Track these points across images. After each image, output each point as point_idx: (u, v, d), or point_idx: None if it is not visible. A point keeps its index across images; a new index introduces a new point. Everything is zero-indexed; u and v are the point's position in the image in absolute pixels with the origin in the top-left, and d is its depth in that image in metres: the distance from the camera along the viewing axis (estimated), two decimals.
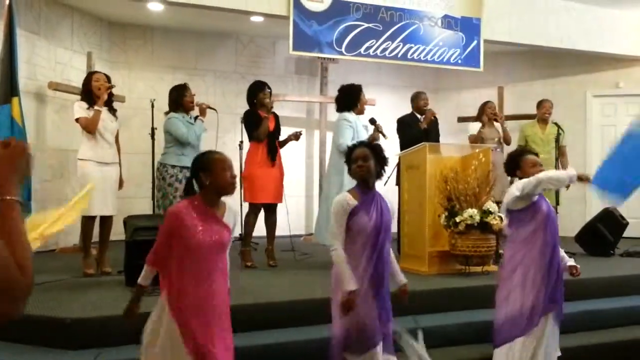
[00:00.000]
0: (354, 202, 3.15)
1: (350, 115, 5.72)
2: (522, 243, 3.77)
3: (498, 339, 3.77)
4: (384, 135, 5.80)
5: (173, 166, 5.38)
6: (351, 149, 3.30)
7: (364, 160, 3.19)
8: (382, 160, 3.27)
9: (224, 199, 2.84)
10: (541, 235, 3.73)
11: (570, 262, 3.88)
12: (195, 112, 5.61)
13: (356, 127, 5.65)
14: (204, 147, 5.55)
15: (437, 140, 6.50)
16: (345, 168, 3.36)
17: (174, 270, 2.71)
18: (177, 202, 5.26)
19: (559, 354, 3.83)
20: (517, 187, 3.73)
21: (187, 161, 5.45)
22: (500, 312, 3.80)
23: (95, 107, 5.10)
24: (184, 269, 2.69)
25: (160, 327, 2.72)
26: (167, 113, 5.61)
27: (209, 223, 2.72)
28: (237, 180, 2.84)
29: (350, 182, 3.52)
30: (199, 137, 5.48)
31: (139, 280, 2.86)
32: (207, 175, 2.73)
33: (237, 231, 2.90)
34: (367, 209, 3.15)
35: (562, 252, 3.89)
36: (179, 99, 5.49)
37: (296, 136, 5.93)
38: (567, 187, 7.04)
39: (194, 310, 2.66)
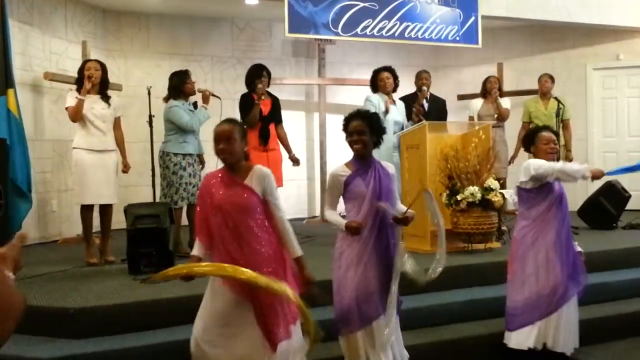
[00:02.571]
0: (347, 171, 3.20)
1: (373, 97, 5.98)
2: (535, 223, 3.71)
3: (514, 322, 3.74)
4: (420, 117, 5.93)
5: (176, 154, 5.37)
6: (347, 119, 3.28)
7: (359, 135, 3.20)
8: (378, 131, 3.28)
9: (255, 165, 3.07)
10: (555, 214, 3.68)
11: (577, 247, 3.85)
12: (195, 98, 5.59)
13: (378, 107, 5.75)
14: (205, 133, 5.58)
15: (442, 119, 6.44)
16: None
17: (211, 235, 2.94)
18: (183, 189, 5.32)
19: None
20: (534, 165, 3.68)
21: (190, 148, 5.46)
22: (516, 296, 3.75)
23: (77, 96, 5.06)
24: (214, 231, 2.91)
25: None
26: (166, 100, 5.57)
27: (229, 186, 2.94)
28: (227, 150, 2.96)
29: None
30: (202, 124, 5.48)
31: (192, 252, 3.04)
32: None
33: (274, 194, 3.01)
34: (363, 176, 3.18)
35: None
36: (180, 85, 5.46)
37: (295, 160, 6.05)
38: (570, 159, 7.08)
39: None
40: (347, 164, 3.28)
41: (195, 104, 5.58)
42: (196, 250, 2.98)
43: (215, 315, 2.86)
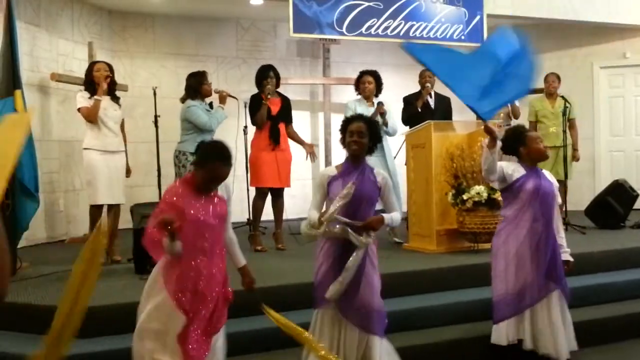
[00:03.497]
0: (333, 172, 3.24)
1: (351, 103, 6.04)
2: (508, 221, 3.75)
3: (495, 316, 3.76)
4: (382, 117, 5.79)
5: (192, 153, 5.41)
6: (348, 120, 3.31)
7: (359, 136, 3.22)
8: (375, 138, 3.33)
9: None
10: (529, 213, 3.66)
11: (566, 255, 3.81)
12: (210, 98, 5.64)
13: (355, 111, 5.72)
14: (221, 134, 5.61)
15: (447, 119, 6.40)
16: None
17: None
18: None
19: (572, 333, 3.76)
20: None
21: None
22: (494, 290, 3.78)
23: (95, 97, 5.12)
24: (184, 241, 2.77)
25: (153, 300, 2.82)
26: (182, 100, 5.61)
27: (204, 198, 2.84)
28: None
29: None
30: (219, 124, 5.52)
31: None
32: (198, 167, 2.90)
33: (240, 210, 3.02)
34: (346, 179, 3.18)
35: (562, 241, 3.81)
36: (198, 86, 5.51)
37: (311, 150, 5.95)
38: (577, 159, 7.04)
39: (185, 280, 2.78)
40: (337, 166, 3.34)
41: (211, 104, 5.63)
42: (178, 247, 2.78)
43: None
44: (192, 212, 2.77)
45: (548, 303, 3.66)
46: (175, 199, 2.79)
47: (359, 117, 3.33)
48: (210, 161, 2.80)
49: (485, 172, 3.72)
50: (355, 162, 3.28)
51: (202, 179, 2.83)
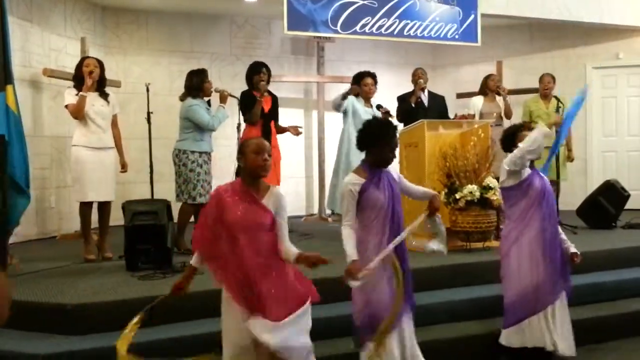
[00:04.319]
0: (360, 180, 3.15)
1: (346, 102, 5.93)
2: (517, 220, 3.73)
3: (506, 320, 3.75)
4: (391, 115, 5.82)
5: (193, 152, 5.40)
6: (391, 130, 3.23)
7: (395, 150, 3.23)
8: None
9: (271, 185, 3.02)
10: (538, 211, 3.67)
11: (572, 248, 3.83)
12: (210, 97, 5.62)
13: (353, 109, 5.76)
14: (218, 132, 5.65)
15: (441, 118, 6.40)
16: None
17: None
18: (200, 186, 5.33)
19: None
20: (506, 162, 3.72)
21: (206, 146, 5.50)
22: (506, 293, 3.78)
23: (80, 93, 5.06)
24: (224, 246, 2.84)
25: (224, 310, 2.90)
26: (182, 98, 5.58)
27: (247, 202, 2.87)
28: (269, 163, 2.95)
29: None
30: (221, 123, 5.50)
31: (191, 262, 3.00)
32: (241, 159, 2.94)
33: (284, 217, 2.98)
34: (377, 183, 3.15)
35: (563, 235, 3.84)
36: (201, 84, 5.47)
37: (296, 131, 5.94)
38: (571, 159, 7.07)
39: (237, 284, 2.81)
40: (357, 172, 3.23)
41: (208, 103, 5.60)
42: (194, 261, 2.97)
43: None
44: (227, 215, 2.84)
45: (562, 302, 3.69)
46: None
47: (395, 128, 3.29)
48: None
49: (531, 151, 3.61)
50: (379, 169, 3.23)
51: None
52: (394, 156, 3.23)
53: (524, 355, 3.70)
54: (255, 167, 2.89)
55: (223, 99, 5.56)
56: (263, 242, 2.88)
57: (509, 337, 3.73)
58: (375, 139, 3.18)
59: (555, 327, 3.67)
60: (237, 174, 3.10)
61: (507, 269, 3.76)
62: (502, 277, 3.83)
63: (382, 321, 3.06)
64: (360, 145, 3.26)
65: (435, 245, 3.31)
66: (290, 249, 2.91)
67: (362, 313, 3.16)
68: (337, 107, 5.92)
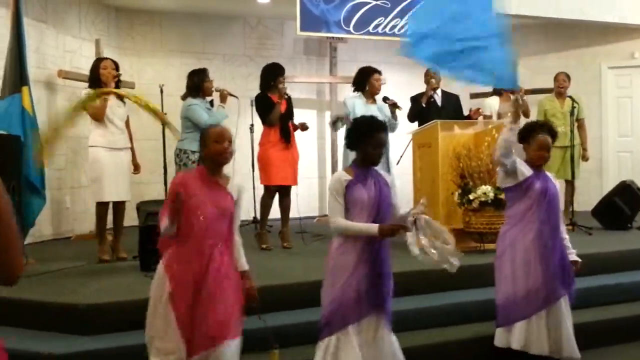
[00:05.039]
0: (348, 177, 3.16)
1: (349, 100, 5.88)
2: (514, 222, 3.66)
3: (500, 319, 3.69)
4: (398, 107, 5.78)
5: (193, 152, 5.43)
6: (375, 129, 3.19)
7: (381, 147, 3.18)
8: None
9: (232, 176, 3.09)
10: (537, 214, 3.59)
11: (573, 256, 3.74)
12: (210, 97, 5.63)
13: (354, 113, 5.70)
14: None
15: (456, 118, 6.36)
16: None
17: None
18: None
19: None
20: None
21: None
22: (497, 293, 3.70)
23: (103, 96, 5.08)
24: (184, 232, 2.91)
25: (160, 294, 2.93)
26: (183, 98, 5.61)
27: (211, 187, 2.96)
28: (230, 150, 3.00)
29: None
30: (220, 123, 5.50)
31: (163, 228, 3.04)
32: (203, 147, 3.03)
33: (244, 208, 3.08)
34: (364, 182, 3.14)
35: (567, 242, 3.74)
36: (201, 84, 5.49)
37: (303, 127, 5.91)
38: (586, 159, 7.01)
39: (188, 274, 2.88)
40: (347, 170, 3.25)
41: (211, 103, 5.62)
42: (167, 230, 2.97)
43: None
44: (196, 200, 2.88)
45: (558, 307, 3.62)
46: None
47: (382, 127, 3.24)
48: None
49: (501, 155, 3.56)
50: (367, 168, 3.22)
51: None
52: (380, 153, 3.19)
53: (516, 357, 3.63)
54: (216, 154, 2.96)
55: (223, 98, 5.57)
56: (222, 227, 2.96)
57: (500, 337, 3.67)
58: (358, 137, 3.19)
59: (550, 330, 3.58)
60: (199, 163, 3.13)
61: (500, 271, 3.68)
62: (496, 277, 3.72)
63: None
64: (348, 144, 3.28)
65: (445, 263, 3.19)
66: (239, 250, 3.05)
67: (328, 309, 3.13)
68: (335, 130, 5.92)
